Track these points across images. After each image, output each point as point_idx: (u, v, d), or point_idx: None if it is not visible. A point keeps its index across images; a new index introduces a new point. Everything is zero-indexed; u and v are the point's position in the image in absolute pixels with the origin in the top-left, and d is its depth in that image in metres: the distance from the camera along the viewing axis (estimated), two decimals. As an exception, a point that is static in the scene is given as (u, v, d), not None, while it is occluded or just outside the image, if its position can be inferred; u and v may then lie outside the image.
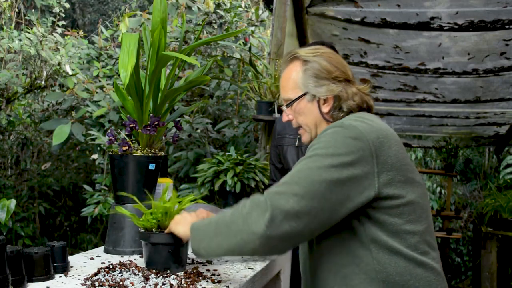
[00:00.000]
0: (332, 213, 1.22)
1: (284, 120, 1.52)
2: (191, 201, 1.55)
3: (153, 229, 1.48)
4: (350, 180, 1.22)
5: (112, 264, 1.50)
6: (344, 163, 1.22)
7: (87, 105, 3.73)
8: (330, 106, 1.42)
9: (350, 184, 1.22)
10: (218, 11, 4.43)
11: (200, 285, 1.38)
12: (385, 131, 1.32)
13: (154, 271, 1.43)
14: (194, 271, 1.48)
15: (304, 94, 1.43)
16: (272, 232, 1.17)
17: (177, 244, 1.46)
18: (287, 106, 1.47)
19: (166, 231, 1.46)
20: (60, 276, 1.42)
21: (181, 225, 1.42)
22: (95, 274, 1.40)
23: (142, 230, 1.49)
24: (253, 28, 4.66)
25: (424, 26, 3.62)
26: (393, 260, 1.27)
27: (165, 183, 1.96)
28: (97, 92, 3.80)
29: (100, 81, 4.04)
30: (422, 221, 1.32)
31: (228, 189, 2.69)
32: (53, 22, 5.51)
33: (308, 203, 1.19)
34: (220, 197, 2.87)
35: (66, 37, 4.90)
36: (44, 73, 4.64)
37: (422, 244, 1.31)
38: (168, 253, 1.46)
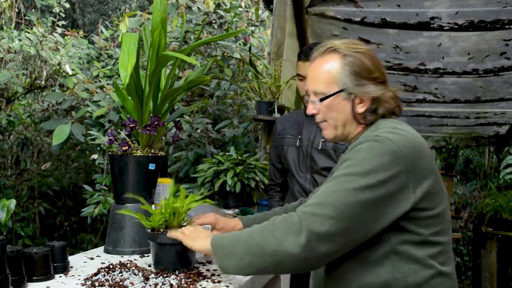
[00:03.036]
0: (367, 230, 1.22)
1: (309, 113, 1.43)
2: (196, 200, 1.53)
3: (161, 229, 1.47)
4: (386, 197, 1.21)
5: (112, 264, 1.50)
6: (380, 181, 1.20)
7: (87, 105, 3.73)
8: (366, 107, 1.36)
9: (386, 202, 1.21)
10: (218, 11, 4.43)
11: (200, 285, 1.38)
12: (418, 141, 1.29)
13: (154, 271, 1.43)
14: (194, 271, 1.48)
15: (341, 91, 1.35)
16: (308, 254, 1.18)
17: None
18: (320, 100, 1.37)
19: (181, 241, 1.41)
20: (60, 276, 1.42)
21: (198, 240, 1.37)
22: (95, 274, 1.40)
23: (149, 231, 1.49)
24: (253, 28, 4.66)
25: (424, 26, 3.61)
26: (413, 270, 1.26)
27: (167, 183, 1.96)
28: (97, 92, 3.80)
29: (100, 81, 4.04)
30: (447, 232, 1.31)
31: (228, 189, 2.70)
32: (53, 22, 5.51)
33: (344, 225, 1.19)
34: (220, 197, 2.87)
35: (66, 37, 4.90)
36: (44, 73, 4.64)
37: (443, 254, 1.30)
38: (176, 253, 1.45)
